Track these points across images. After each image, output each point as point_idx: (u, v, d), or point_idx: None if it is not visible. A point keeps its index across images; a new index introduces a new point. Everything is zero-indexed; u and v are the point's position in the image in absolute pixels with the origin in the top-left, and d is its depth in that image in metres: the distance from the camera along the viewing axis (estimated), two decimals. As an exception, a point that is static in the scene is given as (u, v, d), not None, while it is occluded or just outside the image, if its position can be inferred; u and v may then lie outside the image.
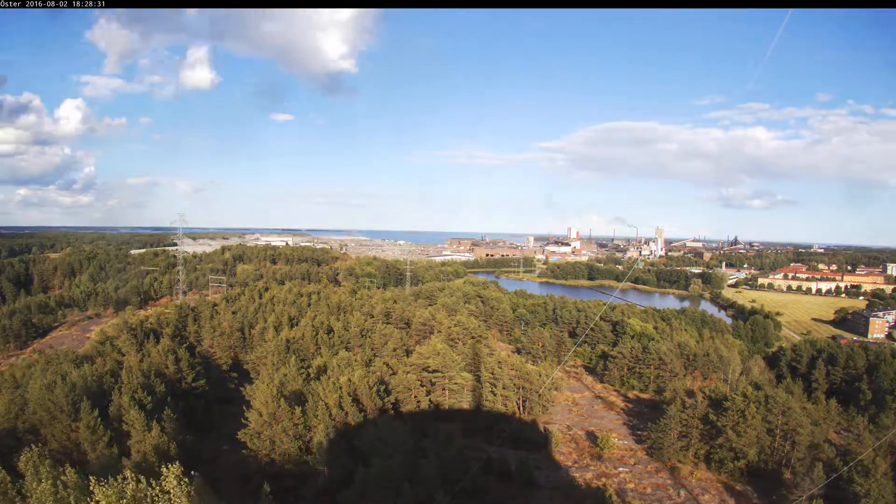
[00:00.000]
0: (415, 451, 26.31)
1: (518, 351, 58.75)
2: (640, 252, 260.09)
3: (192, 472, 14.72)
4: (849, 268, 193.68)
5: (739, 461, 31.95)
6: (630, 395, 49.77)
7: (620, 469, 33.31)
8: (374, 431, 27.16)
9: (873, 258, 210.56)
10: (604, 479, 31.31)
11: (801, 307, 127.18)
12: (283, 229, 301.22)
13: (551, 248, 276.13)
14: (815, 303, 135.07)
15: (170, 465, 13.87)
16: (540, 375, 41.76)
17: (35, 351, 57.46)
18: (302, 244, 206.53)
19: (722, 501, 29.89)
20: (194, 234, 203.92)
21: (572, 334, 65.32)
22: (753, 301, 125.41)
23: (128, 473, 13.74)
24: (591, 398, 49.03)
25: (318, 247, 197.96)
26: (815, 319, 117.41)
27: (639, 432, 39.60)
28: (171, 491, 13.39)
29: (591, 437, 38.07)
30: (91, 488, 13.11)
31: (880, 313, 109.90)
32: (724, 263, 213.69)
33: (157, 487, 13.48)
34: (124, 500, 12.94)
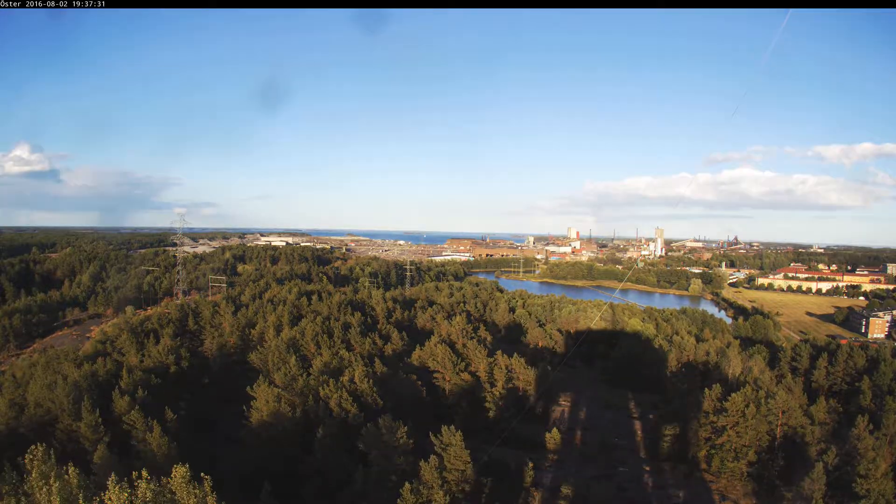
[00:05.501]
0: (415, 451, 26.31)
1: (518, 351, 58.69)
2: (640, 252, 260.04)
3: (202, 474, 14.77)
4: (849, 268, 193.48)
5: (739, 461, 31.95)
6: (630, 394, 49.78)
7: (620, 469, 33.33)
8: (374, 431, 27.16)
9: (873, 258, 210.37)
10: (604, 479, 31.34)
11: (801, 307, 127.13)
12: (283, 229, 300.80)
13: (551, 248, 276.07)
14: (815, 303, 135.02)
15: (178, 466, 13.95)
16: (540, 376, 41.75)
17: (36, 351, 57.55)
18: (302, 244, 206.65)
19: (722, 501, 29.91)
20: (194, 235, 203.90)
21: (572, 334, 65.25)
22: (753, 301, 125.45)
23: (141, 473, 13.79)
24: (592, 398, 49.05)
25: (318, 247, 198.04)
26: (814, 319, 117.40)
27: (639, 432, 39.66)
28: (178, 492, 13.45)
29: (591, 436, 38.08)
30: (108, 486, 13.15)
31: (880, 313, 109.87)
32: (724, 263, 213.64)
33: (165, 488, 13.55)
34: (135, 501, 12.99)
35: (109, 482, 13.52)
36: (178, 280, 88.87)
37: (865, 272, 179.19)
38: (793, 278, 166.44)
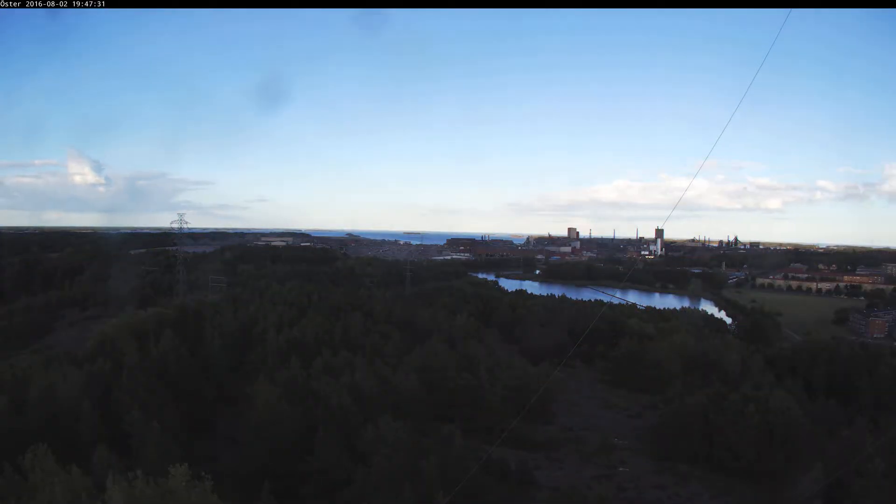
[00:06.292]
0: (415, 451, 26.34)
1: (518, 351, 58.73)
2: (640, 252, 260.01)
3: (203, 473, 14.81)
4: (849, 268, 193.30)
5: (739, 461, 31.97)
6: (629, 394, 49.79)
7: (620, 469, 33.35)
8: (374, 431, 27.20)
9: (873, 258, 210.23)
10: (603, 480, 31.34)
11: (801, 307, 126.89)
12: (283, 229, 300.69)
13: (551, 248, 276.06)
14: (815, 303, 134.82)
15: (176, 466, 13.98)
16: (539, 375, 41.76)
17: (35, 351, 57.48)
18: (302, 244, 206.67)
19: (722, 502, 29.92)
20: (194, 235, 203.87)
21: (572, 334, 65.17)
22: (753, 301, 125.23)
23: (137, 473, 13.84)
24: (591, 398, 49.10)
25: (318, 247, 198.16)
26: (815, 319, 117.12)
27: (638, 432, 39.66)
28: (177, 491, 13.49)
29: (591, 437, 38.09)
30: (107, 486, 13.21)
31: (880, 313, 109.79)
32: (724, 263, 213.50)
33: (164, 487, 13.59)
34: (133, 501, 13.04)
35: (109, 482, 13.55)
36: (179, 280, 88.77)
37: (865, 272, 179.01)
38: (793, 278, 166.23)
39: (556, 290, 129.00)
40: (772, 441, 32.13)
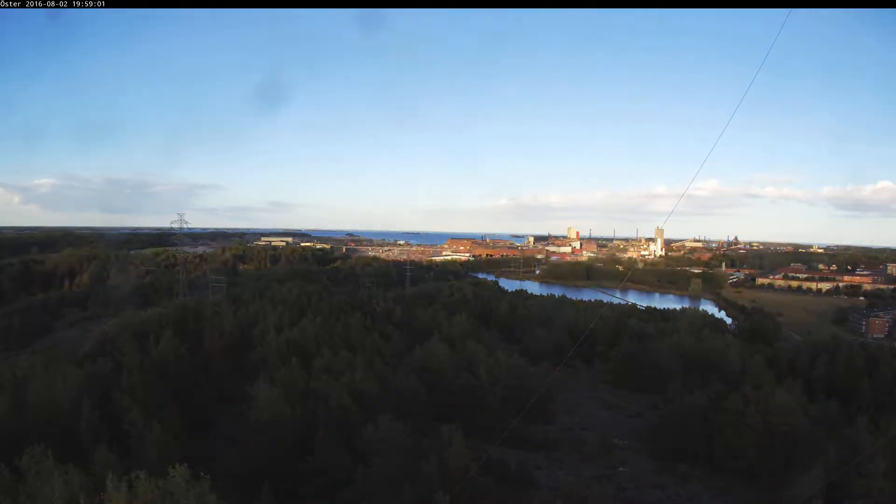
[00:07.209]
0: (415, 451, 26.33)
1: (518, 351, 58.68)
2: (640, 252, 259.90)
3: (203, 474, 14.80)
4: (849, 268, 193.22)
5: (739, 461, 31.95)
6: (629, 394, 49.75)
7: (620, 469, 33.34)
8: (374, 431, 27.19)
9: (873, 258, 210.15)
10: (603, 480, 31.31)
11: (801, 307, 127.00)
12: (283, 230, 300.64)
13: (551, 248, 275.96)
14: (815, 303, 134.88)
15: (176, 466, 13.97)
16: (539, 375, 41.75)
17: (35, 351, 57.51)
18: (302, 244, 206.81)
19: (722, 502, 29.91)
20: (194, 235, 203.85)
21: (572, 334, 65.14)
22: (753, 301, 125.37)
23: (139, 474, 13.83)
24: (591, 398, 49.07)
25: (318, 247, 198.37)
26: (815, 319, 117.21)
27: (638, 432, 39.64)
28: (177, 492, 13.49)
29: (591, 437, 38.08)
30: (107, 486, 13.21)
31: (880, 313, 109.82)
32: (724, 263, 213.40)
33: (164, 488, 13.59)
34: (134, 501, 13.03)
35: (108, 482, 13.55)
36: (179, 280, 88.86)
37: (865, 272, 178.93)
38: (793, 278, 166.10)
39: (556, 290, 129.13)
40: (772, 441, 32.08)
